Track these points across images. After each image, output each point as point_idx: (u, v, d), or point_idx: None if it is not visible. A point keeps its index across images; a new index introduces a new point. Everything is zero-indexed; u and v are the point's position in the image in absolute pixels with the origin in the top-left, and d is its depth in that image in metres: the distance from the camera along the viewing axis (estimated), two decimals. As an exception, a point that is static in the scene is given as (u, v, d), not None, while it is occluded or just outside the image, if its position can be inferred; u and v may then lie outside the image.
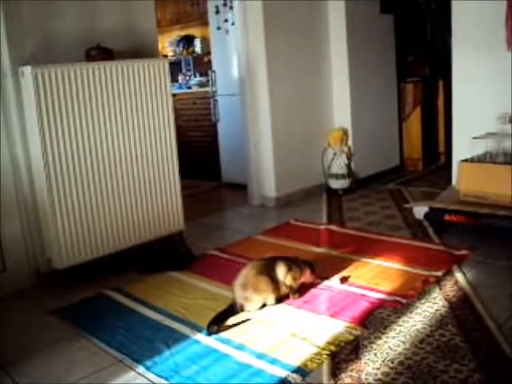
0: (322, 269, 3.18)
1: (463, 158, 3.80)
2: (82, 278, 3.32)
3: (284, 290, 2.86)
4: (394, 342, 2.38)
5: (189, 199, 4.50)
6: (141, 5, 3.81)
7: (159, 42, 4.59)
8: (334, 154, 5.21)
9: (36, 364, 2.46)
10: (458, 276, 3.05)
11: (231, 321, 2.66)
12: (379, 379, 2.11)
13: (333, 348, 2.37)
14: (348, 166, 5.21)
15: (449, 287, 2.91)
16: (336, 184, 5.21)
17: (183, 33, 7.38)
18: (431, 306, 2.69)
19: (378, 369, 2.18)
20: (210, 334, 2.56)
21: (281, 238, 3.96)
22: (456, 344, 2.32)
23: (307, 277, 2.96)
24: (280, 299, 2.85)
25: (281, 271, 2.85)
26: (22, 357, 2.53)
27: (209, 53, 6.32)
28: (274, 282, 2.82)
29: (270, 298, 2.80)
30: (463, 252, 3.37)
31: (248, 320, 2.68)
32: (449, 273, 3.09)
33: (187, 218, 3.91)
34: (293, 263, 2.92)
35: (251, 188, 5.06)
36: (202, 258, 3.66)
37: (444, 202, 3.75)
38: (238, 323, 2.65)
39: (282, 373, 2.21)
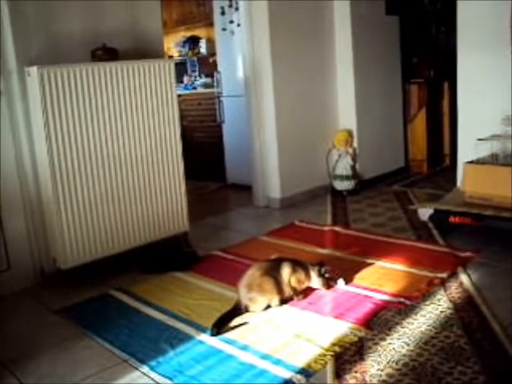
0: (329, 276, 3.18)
1: (468, 160, 3.80)
2: (86, 277, 3.33)
3: (289, 292, 2.86)
4: (399, 343, 2.37)
5: (193, 200, 4.50)
6: (146, 5, 3.82)
7: (165, 43, 4.61)
8: (339, 155, 5.21)
9: (40, 363, 2.47)
10: (463, 278, 3.04)
11: (234, 322, 2.67)
12: (383, 380, 2.11)
13: (337, 349, 2.37)
14: (353, 167, 5.21)
15: (453, 289, 2.90)
16: (341, 185, 5.21)
17: (189, 34, 7.40)
18: (436, 308, 2.68)
19: (382, 370, 2.18)
20: (212, 334, 2.56)
21: (285, 239, 3.96)
22: (460, 346, 2.31)
23: (314, 282, 2.95)
24: (285, 301, 2.85)
25: (285, 272, 2.85)
26: (26, 355, 2.54)
27: (214, 54, 6.33)
28: (279, 283, 2.81)
29: (275, 300, 2.80)
30: (468, 254, 3.36)
31: (247, 323, 2.67)
32: (453, 275, 3.08)
33: (192, 219, 3.91)
34: (298, 265, 2.91)
35: (256, 189, 5.06)
36: (207, 259, 3.66)
37: (449, 204, 3.74)
38: (239, 325, 2.65)
39: (286, 373, 2.20)
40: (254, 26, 4.76)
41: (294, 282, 2.86)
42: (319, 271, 2.94)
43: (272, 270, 2.83)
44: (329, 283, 2.98)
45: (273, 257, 3.06)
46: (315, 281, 2.94)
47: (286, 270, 2.85)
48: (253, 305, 2.75)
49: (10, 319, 2.97)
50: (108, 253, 3.40)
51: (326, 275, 2.96)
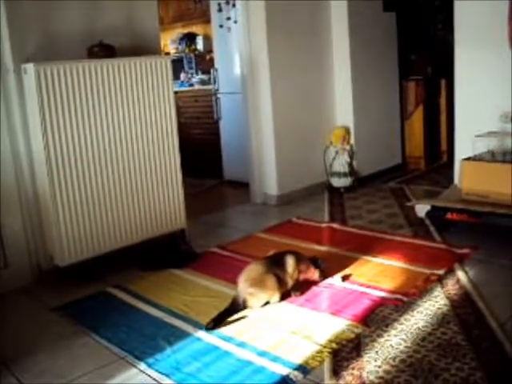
0: (324, 267, 3.19)
1: (465, 157, 3.80)
2: (83, 275, 3.32)
3: (291, 284, 2.87)
4: (396, 340, 2.38)
5: (191, 197, 4.49)
6: (143, 2, 3.81)
7: (161, 40, 4.59)
8: (336, 152, 5.21)
9: (38, 360, 2.47)
10: (460, 274, 3.05)
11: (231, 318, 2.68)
12: (380, 377, 2.11)
13: (334, 346, 2.37)
14: (350, 164, 5.21)
15: (450, 285, 2.91)
16: (338, 182, 5.21)
17: (185, 30, 7.39)
18: (433, 305, 2.69)
19: (379, 367, 2.18)
20: (207, 329, 2.56)
21: (282, 235, 3.96)
22: (457, 342, 2.32)
23: (311, 274, 2.98)
24: (285, 295, 2.85)
25: (289, 265, 2.86)
26: (23, 353, 2.54)
27: (211, 51, 6.32)
28: (281, 279, 2.82)
29: (276, 297, 2.80)
30: (465, 250, 3.37)
31: (245, 316, 2.68)
32: (450, 271, 3.09)
33: (189, 216, 3.91)
34: (300, 257, 2.95)
35: (253, 186, 5.06)
36: (204, 256, 3.66)
37: (446, 201, 3.75)
38: (235, 319, 2.65)
39: (284, 370, 2.21)
40: (251, 23, 4.75)
41: (296, 274, 2.88)
42: (316, 262, 2.99)
43: (274, 267, 2.83)
44: (324, 274, 3.03)
45: (271, 253, 3.06)
46: (313, 272, 2.98)
47: (290, 263, 2.87)
48: (252, 299, 2.75)
49: (8, 317, 2.96)
50: (105, 250, 3.40)
51: (322, 265, 3.01)
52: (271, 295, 2.79)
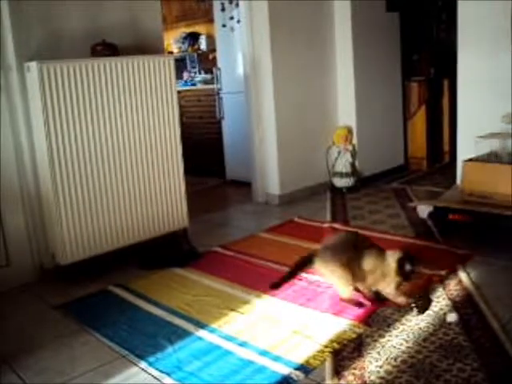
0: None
1: (467, 158, 3.80)
2: (85, 273, 3.33)
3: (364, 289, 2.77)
4: (397, 340, 2.38)
5: (193, 196, 4.49)
6: (146, 1, 3.81)
7: (165, 39, 4.60)
8: (339, 152, 5.20)
9: (39, 358, 2.47)
10: (462, 275, 3.04)
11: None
12: (382, 377, 2.11)
13: (336, 345, 2.37)
14: (352, 164, 5.21)
15: (452, 286, 2.90)
16: (340, 182, 5.21)
17: (188, 30, 7.40)
18: (434, 305, 2.68)
19: (380, 367, 2.18)
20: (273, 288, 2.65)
21: (284, 235, 3.96)
22: (459, 343, 2.31)
23: (385, 284, 2.71)
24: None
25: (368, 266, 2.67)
26: (25, 351, 2.54)
27: (214, 50, 6.33)
28: (355, 274, 2.66)
29: (346, 290, 2.71)
30: (467, 251, 3.36)
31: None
32: (452, 272, 3.08)
33: (191, 215, 3.91)
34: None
35: (255, 185, 5.06)
36: (206, 255, 3.66)
37: (448, 202, 3.74)
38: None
39: (285, 370, 2.21)
40: (254, 23, 4.75)
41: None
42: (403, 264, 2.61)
43: (353, 261, 2.65)
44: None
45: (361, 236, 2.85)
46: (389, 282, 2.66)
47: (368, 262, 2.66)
48: (323, 274, 2.78)
49: (10, 315, 2.97)
50: (107, 249, 3.40)
51: (407, 268, 2.60)
52: (339, 285, 2.72)
